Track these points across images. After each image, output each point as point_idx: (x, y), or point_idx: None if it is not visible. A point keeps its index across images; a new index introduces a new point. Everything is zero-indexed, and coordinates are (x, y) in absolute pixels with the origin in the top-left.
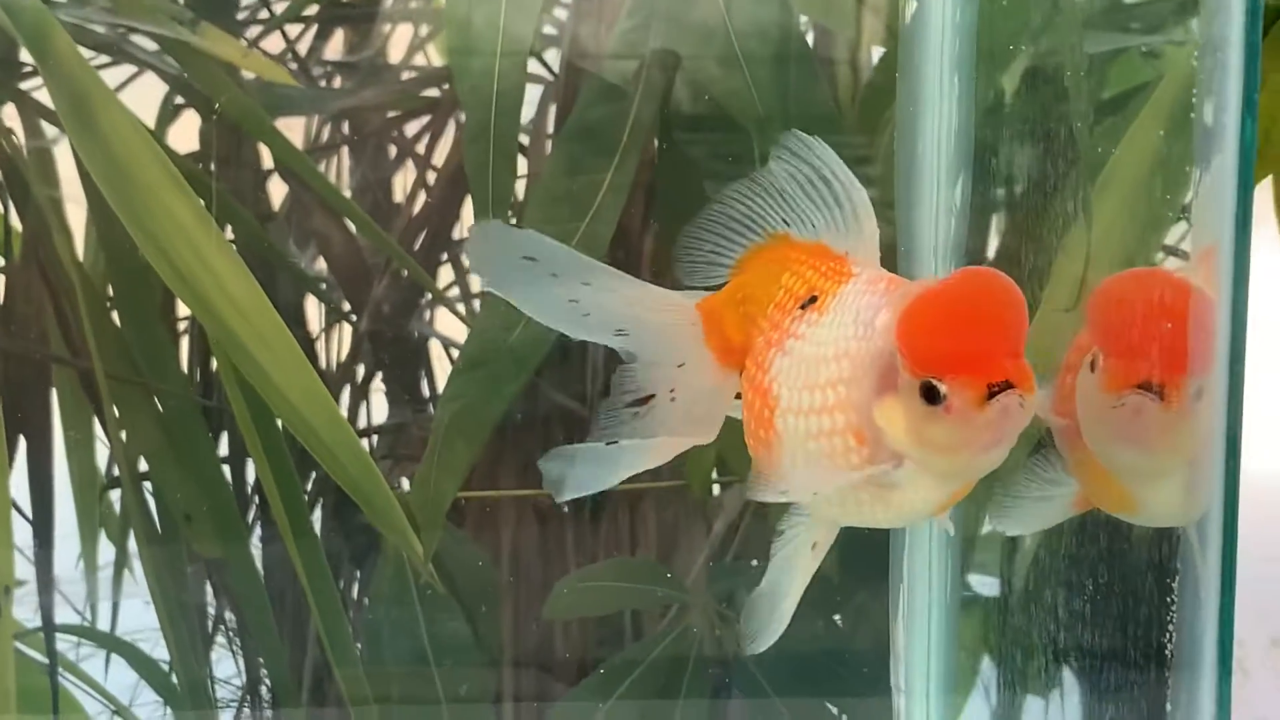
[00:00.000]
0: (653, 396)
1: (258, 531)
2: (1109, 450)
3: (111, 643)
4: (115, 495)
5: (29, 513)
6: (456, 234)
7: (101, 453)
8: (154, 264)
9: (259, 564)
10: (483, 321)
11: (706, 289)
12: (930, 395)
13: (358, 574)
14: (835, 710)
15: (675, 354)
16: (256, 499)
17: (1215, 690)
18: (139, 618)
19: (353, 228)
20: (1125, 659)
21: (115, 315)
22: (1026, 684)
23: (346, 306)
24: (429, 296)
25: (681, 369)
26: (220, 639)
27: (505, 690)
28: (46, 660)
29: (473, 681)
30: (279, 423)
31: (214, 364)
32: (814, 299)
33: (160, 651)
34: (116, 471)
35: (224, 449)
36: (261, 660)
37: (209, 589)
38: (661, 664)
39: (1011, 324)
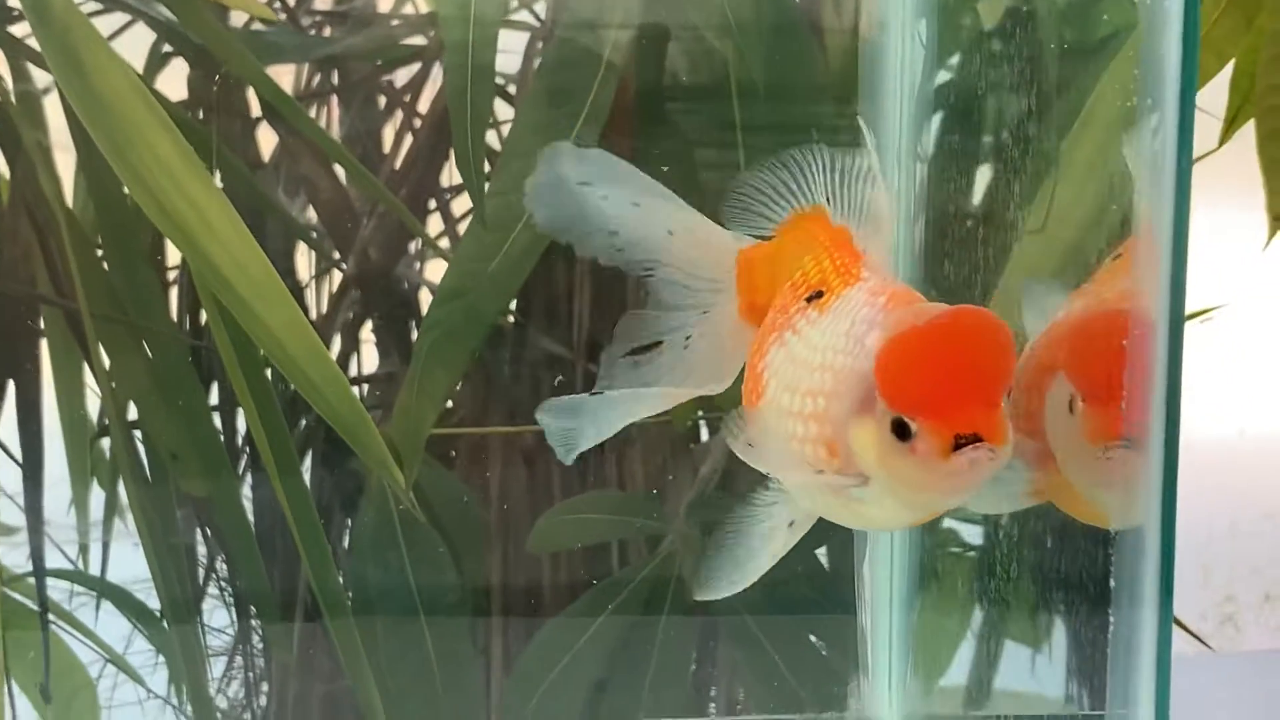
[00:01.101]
0: (659, 344)
1: (247, 477)
2: (1091, 491)
3: (102, 587)
4: (105, 444)
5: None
6: (445, 180)
7: (92, 401)
8: (136, 196)
9: (247, 505)
10: (463, 252)
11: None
12: (900, 431)
13: (347, 522)
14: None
15: (705, 291)
16: (247, 449)
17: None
18: (131, 568)
19: (342, 176)
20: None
21: (106, 269)
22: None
23: (335, 255)
24: (417, 247)
25: (705, 315)
26: (212, 589)
27: (492, 622)
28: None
29: (457, 617)
30: (263, 355)
31: (203, 312)
32: (820, 294)
33: (153, 602)
34: (106, 417)
35: (213, 400)
36: (252, 607)
37: (199, 535)
38: (643, 590)
39: (993, 372)
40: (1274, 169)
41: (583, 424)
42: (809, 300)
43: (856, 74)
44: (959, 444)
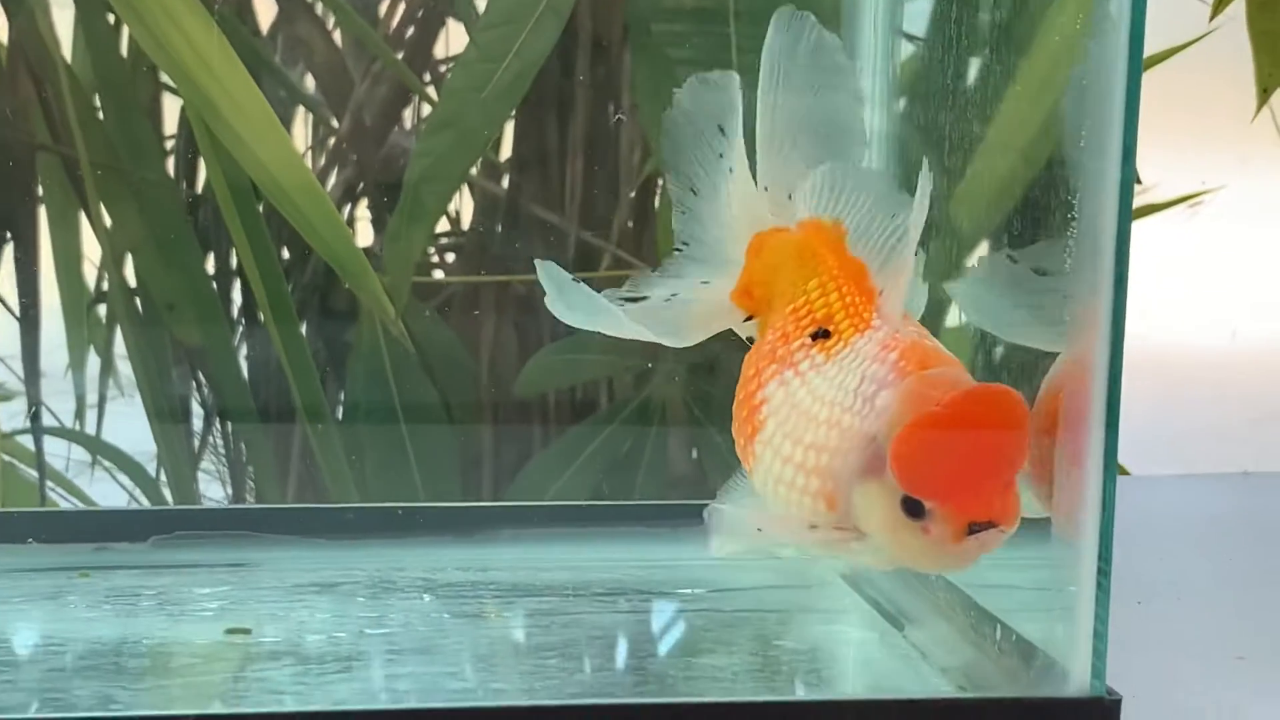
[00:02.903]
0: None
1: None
2: None
3: (98, 446)
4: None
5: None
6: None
7: (88, 269)
8: (135, 34)
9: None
10: (453, 83)
11: None
12: (912, 511)
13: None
14: None
15: (717, 268)
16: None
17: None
18: (128, 438)
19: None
20: None
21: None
22: None
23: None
24: (414, 120)
25: (704, 285)
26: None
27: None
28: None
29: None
30: (260, 208)
31: (201, 172)
32: (826, 333)
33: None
34: (103, 270)
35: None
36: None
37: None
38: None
39: (1009, 455)
40: (1263, 42)
41: (557, 293)
42: (814, 338)
43: None
44: (972, 530)
